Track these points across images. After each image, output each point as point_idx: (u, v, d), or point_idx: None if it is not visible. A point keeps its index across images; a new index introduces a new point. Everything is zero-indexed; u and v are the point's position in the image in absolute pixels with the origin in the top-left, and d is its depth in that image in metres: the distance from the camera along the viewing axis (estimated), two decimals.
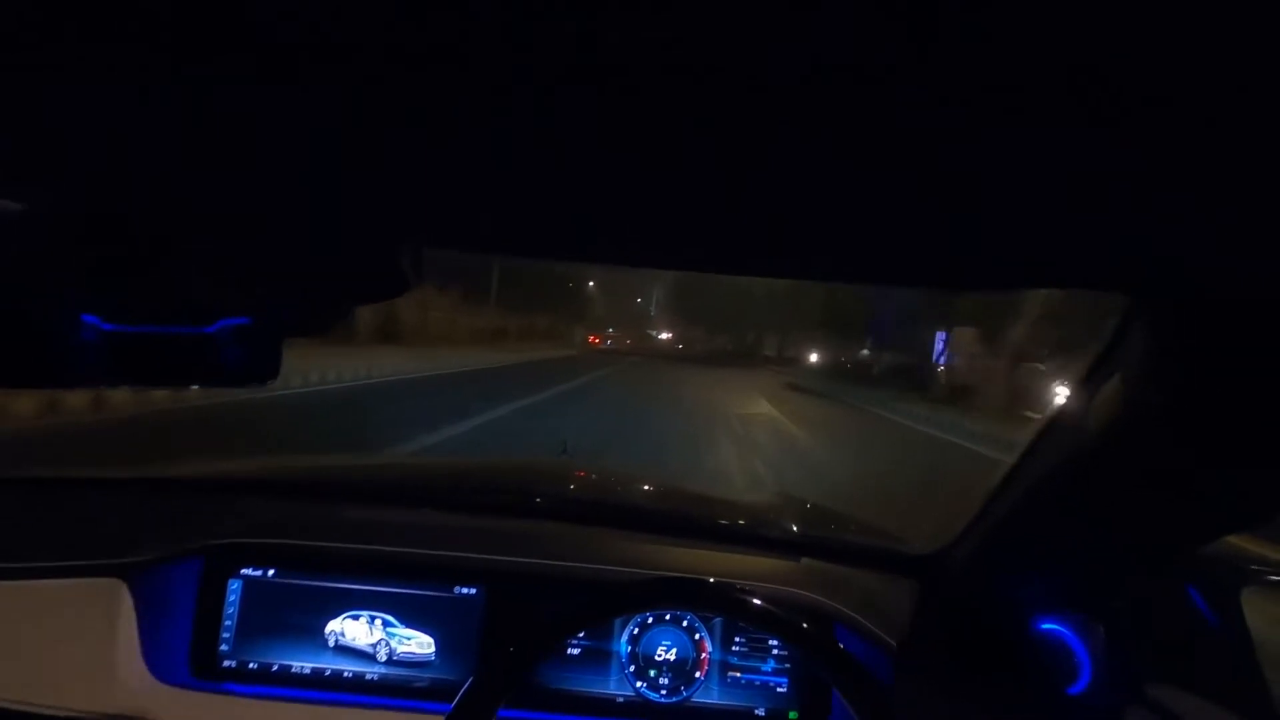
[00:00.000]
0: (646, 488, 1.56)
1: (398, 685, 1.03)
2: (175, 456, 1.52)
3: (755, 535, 1.18)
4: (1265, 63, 0.24)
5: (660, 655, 1.04)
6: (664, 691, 1.03)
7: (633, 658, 1.04)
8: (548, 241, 0.55)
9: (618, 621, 1.04)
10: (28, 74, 0.33)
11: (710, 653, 1.04)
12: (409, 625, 1.05)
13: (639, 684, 1.03)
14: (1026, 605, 0.96)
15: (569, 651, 1.04)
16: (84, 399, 6.43)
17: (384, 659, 1.04)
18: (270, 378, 0.64)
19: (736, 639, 1.05)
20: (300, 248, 0.59)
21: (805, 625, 0.83)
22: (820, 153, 0.34)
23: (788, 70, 0.27)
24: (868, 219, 0.43)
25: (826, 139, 0.33)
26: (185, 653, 1.03)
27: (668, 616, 1.05)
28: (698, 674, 1.03)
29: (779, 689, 1.04)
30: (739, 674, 1.04)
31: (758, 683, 1.04)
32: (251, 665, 1.04)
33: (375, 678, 1.04)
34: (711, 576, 1.02)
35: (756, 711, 1.03)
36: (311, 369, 10.46)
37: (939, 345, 22.28)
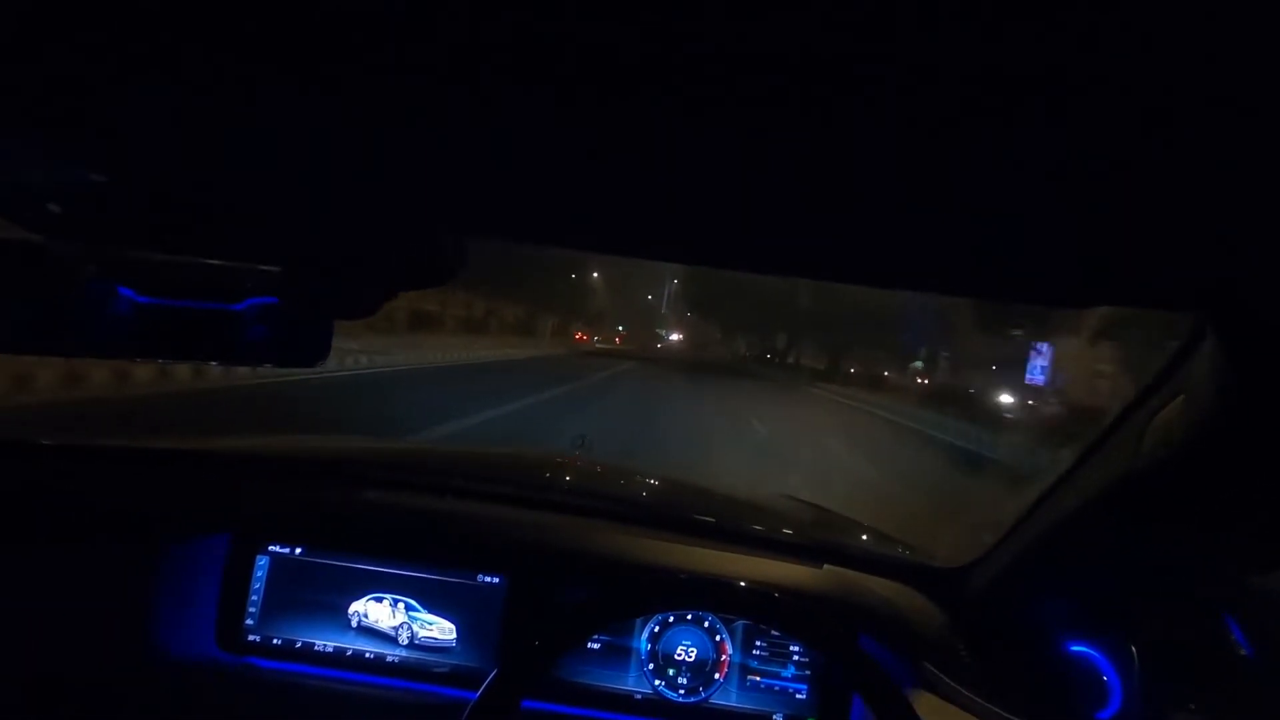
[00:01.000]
0: (670, 487, 1.55)
1: (418, 669, 1.04)
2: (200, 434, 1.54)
3: (779, 539, 1.17)
4: None
5: (680, 655, 1.03)
6: (682, 691, 1.02)
7: (652, 656, 1.03)
8: (582, 230, 0.55)
9: (639, 619, 1.04)
10: (100, 70, 0.34)
11: (730, 655, 1.03)
12: (431, 610, 1.05)
13: (657, 682, 1.03)
14: (1057, 625, 0.95)
15: (589, 646, 1.03)
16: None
17: (405, 642, 1.05)
18: (317, 359, 0.64)
19: (758, 642, 1.04)
20: (331, 233, 0.60)
21: (829, 632, 0.82)
22: (890, 164, 0.35)
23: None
24: (922, 226, 0.42)
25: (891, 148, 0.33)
26: (211, 626, 1.05)
27: (690, 616, 1.04)
28: (717, 675, 1.03)
29: (798, 695, 1.03)
30: (758, 678, 1.03)
31: (777, 688, 1.03)
32: (275, 641, 1.05)
33: (396, 660, 1.04)
34: (734, 578, 1.02)
35: (774, 717, 1.02)
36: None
37: (1038, 360, 18.15)
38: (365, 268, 0.65)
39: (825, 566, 1.10)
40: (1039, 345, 18.18)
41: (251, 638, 1.05)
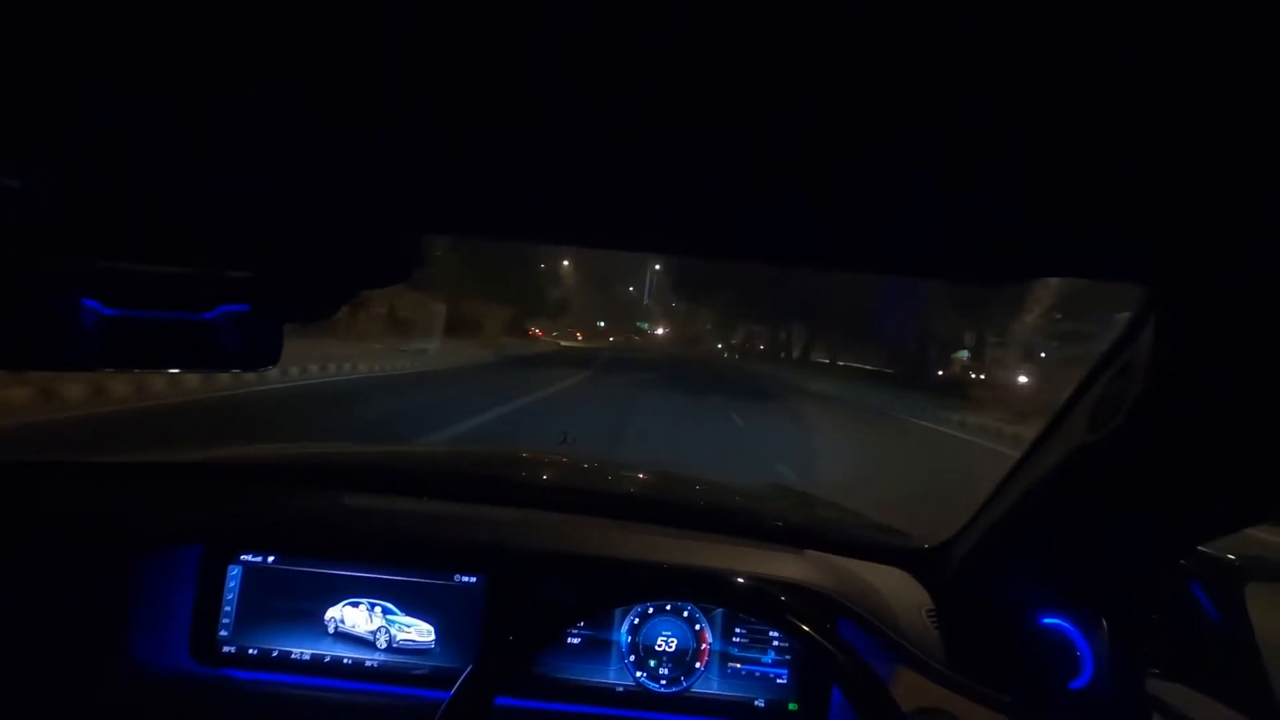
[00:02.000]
0: (646, 477, 1.55)
1: (397, 672, 1.03)
2: (174, 444, 1.51)
3: (756, 525, 1.17)
4: (1260, 71, 0.25)
5: (660, 645, 1.03)
6: (664, 682, 1.03)
7: (633, 647, 1.03)
8: (548, 226, 0.55)
9: (618, 611, 1.04)
10: (66, 80, 0.33)
11: (710, 643, 1.04)
12: (409, 613, 1.04)
13: (639, 674, 1.03)
14: (1029, 600, 0.96)
15: (569, 640, 1.03)
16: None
17: (384, 646, 1.04)
18: (271, 363, 0.64)
19: (737, 630, 1.04)
20: (300, 237, 0.59)
21: (808, 618, 0.83)
22: (833, 147, 0.35)
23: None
24: (881, 209, 0.43)
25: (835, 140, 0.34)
26: (185, 637, 1.03)
27: (668, 607, 1.04)
28: (698, 664, 1.03)
29: (779, 680, 1.04)
30: (739, 665, 1.04)
31: (758, 674, 1.04)
32: (251, 651, 1.04)
33: (375, 665, 1.03)
34: (713, 567, 1.02)
35: (756, 703, 1.03)
36: None
37: None
38: (332, 269, 0.64)
39: (805, 552, 1.10)
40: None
41: (226, 649, 1.04)
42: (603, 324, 68.91)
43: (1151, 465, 0.68)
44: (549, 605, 0.84)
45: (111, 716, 0.97)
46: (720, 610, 1.05)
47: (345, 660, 1.03)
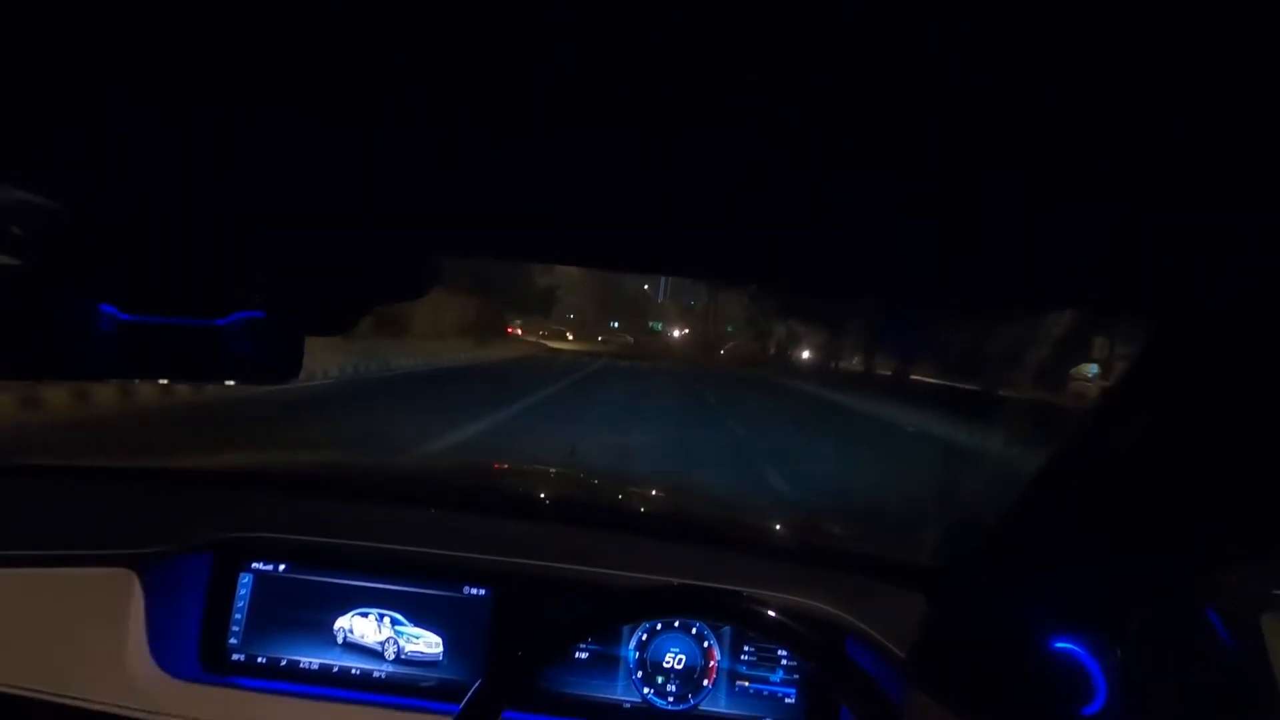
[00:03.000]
0: (654, 493, 1.55)
1: (405, 684, 1.03)
2: (193, 449, 1.52)
3: (763, 543, 1.17)
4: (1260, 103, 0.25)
5: (668, 662, 1.03)
6: (671, 699, 1.02)
7: (640, 664, 1.03)
8: (561, 249, 0.56)
9: (626, 627, 1.04)
10: (83, 91, 0.34)
11: (719, 661, 1.03)
12: (417, 624, 1.05)
13: (646, 690, 1.02)
14: (1040, 624, 0.95)
15: (577, 656, 1.03)
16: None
17: (392, 657, 1.04)
18: (290, 376, 0.64)
19: (745, 648, 1.04)
20: (316, 248, 0.60)
21: (816, 638, 0.82)
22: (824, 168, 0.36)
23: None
24: (885, 235, 0.43)
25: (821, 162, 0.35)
26: (195, 645, 1.04)
27: (677, 624, 1.04)
28: (705, 682, 1.03)
29: (787, 700, 1.03)
30: (747, 683, 1.03)
31: (766, 693, 1.03)
32: (260, 660, 1.04)
33: (383, 676, 1.04)
34: (720, 584, 1.01)
35: None
36: None
37: None
38: (349, 283, 0.65)
39: (815, 571, 1.10)
40: None
41: (236, 657, 1.04)
42: (616, 324, 61.67)
43: (1165, 492, 0.67)
44: (558, 620, 0.84)
45: None
46: (729, 628, 1.04)
47: (354, 670, 1.04)
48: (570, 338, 47.39)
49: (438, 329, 23.30)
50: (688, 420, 11.08)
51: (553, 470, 1.57)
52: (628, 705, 1.02)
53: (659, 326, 65.81)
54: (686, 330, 59.99)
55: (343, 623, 1.05)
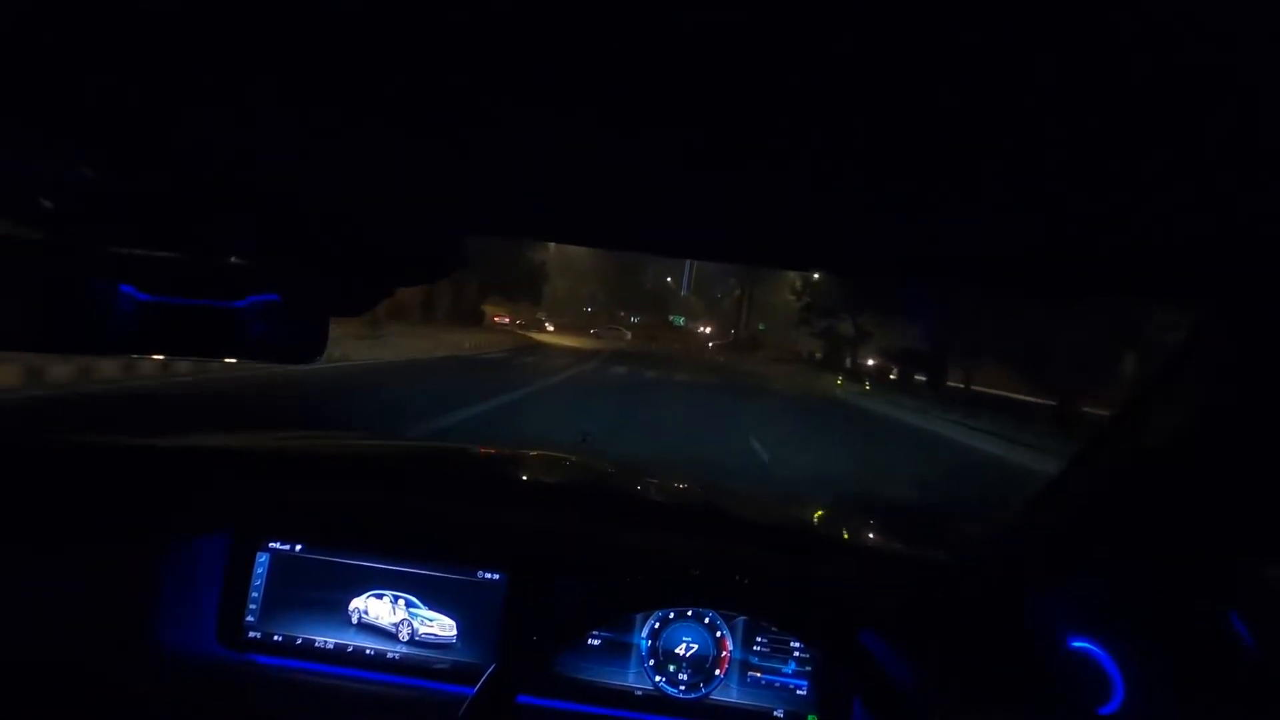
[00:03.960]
0: (669, 482, 1.55)
1: (418, 665, 1.04)
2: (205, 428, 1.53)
3: (781, 536, 1.16)
4: None
5: (681, 651, 1.03)
6: (683, 687, 1.02)
7: (653, 652, 1.03)
8: (583, 228, 0.56)
9: (639, 615, 1.04)
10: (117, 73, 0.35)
11: (731, 651, 1.03)
12: (432, 607, 1.05)
13: (658, 678, 1.02)
14: (1058, 621, 0.94)
15: (590, 642, 1.03)
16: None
17: (406, 639, 1.05)
18: (314, 356, 0.64)
19: (758, 638, 1.04)
20: (333, 232, 0.60)
21: (830, 629, 0.82)
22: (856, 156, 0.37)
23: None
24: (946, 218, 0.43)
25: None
26: (213, 622, 1.05)
27: (690, 612, 1.04)
28: (717, 671, 1.03)
29: (799, 691, 1.03)
30: (759, 674, 1.03)
31: (778, 684, 1.03)
32: (276, 637, 1.05)
33: (396, 656, 1.04)
34: (734, 575, 1.01)
35: (775, 713, 1.02)
36: None
37: None
38: (368, 265, 0.65)
39: (829, 562, 1.09)
40: None
41: (252, 634, 1.05)
42: (636, 319, 55.91)
43: (1194, 490, 0.66)
44: (573, 607, 0.84)
45: (139, 699, 0.99)
46: (742, 618, 1.04)
47: (368, 650, 1.05)
48: (550, 327, 39.26)
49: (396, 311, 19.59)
50: None
51: (570, 458, 1.57)
52: (639, 693, 1.03)
53: (680, 321, 59.33)
54: (714, 326, 54.07)
55: (358, 603, 1.06)
